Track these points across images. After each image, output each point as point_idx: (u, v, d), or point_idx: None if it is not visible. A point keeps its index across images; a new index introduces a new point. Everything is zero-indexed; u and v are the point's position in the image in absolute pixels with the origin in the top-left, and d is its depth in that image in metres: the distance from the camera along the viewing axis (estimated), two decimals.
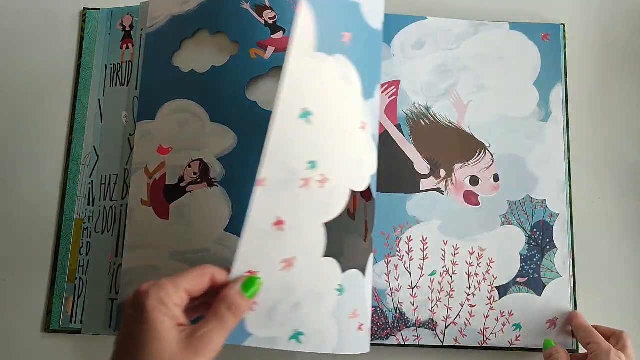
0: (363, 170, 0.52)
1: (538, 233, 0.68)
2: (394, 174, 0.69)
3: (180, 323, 0.42)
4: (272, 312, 0.48)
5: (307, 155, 0.47)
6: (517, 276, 0.67)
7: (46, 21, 0.74)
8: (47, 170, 0.70)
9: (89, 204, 0.68)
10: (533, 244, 0.68)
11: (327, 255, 0.49)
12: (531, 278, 0.67)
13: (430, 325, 0.66)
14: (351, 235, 0.51)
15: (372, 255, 0.57)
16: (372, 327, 0.65)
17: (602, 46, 0.77)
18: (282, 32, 0.64)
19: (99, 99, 0.71)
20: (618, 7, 0.78)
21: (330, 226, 0.49)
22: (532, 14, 0.76)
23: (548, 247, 0.68)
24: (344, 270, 0.51)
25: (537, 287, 0.67)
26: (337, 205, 0.50)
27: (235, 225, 0.56)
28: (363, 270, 0.53)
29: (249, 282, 0.45)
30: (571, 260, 0.68)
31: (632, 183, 0.73)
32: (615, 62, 0.76)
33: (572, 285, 0.68)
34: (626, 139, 0.74)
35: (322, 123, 0.47)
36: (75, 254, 0.67)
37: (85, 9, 0.74)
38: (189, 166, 0.64)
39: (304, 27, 0.45)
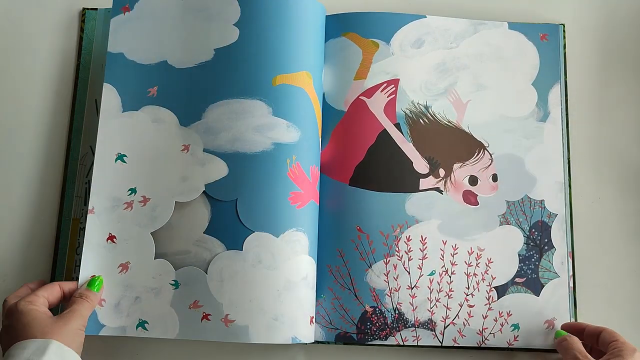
0: (189, 183, 0.65)
1: (536, 233, 0.68)
2: (393, 173, 0.68)
3: (49, 316, 0.56)
4: (118, 307, 0.62)
5: (127, 185, 0.64)
6: (515, 276, 0.67)
7: (46, 21, 0.74)
8: (47, 170, 0.70)
9: (85, 204, 0.68)
10: (531, 244, 0.68)
11: (158, 257, 0.63)
12: (529, 278, 0.67)
13: (430, 325, 0.66)
14: (184, 237, 0.64)
15: (230, 251, 0.63)
16: (370, 328, 0.65)
17: (602, 46, 0.76)
18: None
19: (96, 99, 0.70)
20: (618, 7, 0.78)
21: (158, 234, 0.64)
22: (532, 13, 0.76)
23: (546, 247, 0.68)
24: (177, 267, 0.63)
25: (535, 287, 0.67)
26: (162, 217, 0.64)
27: (215, 228, 0.64)
28: (204, 267, 0.63)
29: (92, 281, 0.61)
30: (571, 260, 0.68)
31: (632, 183, 0.73)
32: (615, 62, 0.76)
33: (571, 285, 0.67)
34: (626, 139, 0.74)
35: (137, 159, 0.65)
36: (72, 253, 0.68)
37: (84, 9, 0.74)
38: None
39: (107, 100, 0.66)
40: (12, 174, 0.70)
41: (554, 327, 0.66)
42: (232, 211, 0.64)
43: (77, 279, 0.62)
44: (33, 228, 0.69)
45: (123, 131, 0.66)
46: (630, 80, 0.76)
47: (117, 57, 0.68)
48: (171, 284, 0.63)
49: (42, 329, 0.54)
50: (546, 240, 0.68)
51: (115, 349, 0.66)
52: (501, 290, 0.67)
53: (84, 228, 0.66)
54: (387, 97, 0.71)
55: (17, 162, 0.71)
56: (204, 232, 0.64)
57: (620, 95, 0.75)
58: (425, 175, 0.69)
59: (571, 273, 0.68)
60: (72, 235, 0.68)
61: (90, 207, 0.64)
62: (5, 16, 0.74)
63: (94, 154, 0.69)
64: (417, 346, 0.66)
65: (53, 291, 0.59)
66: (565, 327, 0.65)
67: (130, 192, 0.64)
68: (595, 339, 0.61)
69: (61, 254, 0.68)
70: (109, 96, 0.67)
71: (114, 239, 0.63)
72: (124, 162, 0.65)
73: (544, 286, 0.67)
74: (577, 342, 0.60)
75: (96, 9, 0.74)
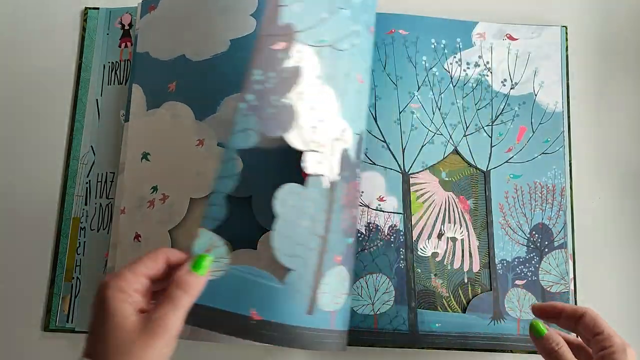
0: (202, 178, 0.61)
1: (537, 236, 0.68)
2: None
3: (142, 308, 0.46)
4: None
5: (149, 183, 0.63)
6: (515, 278, 0.67)
7: (48, 20, 0.74)
8: (47, 169, 0.70)
9: (86, 203, 0.68)
10: (532, 246, 0.68)
11: None
12: (530, 280, 0.67)
13: None
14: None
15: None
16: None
17: (603, 48, 0.76)
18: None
19: (97, 99, 0.71)
20: (619, 9, 0.77)
21: (175, 231, 0.61)
22: (533, 15, 0.76)
23: (547, 250, 0.67)
24: None
25: (535, 289, 0.66)
26: (179, 214, 0.61)
27: (229, 225, 0.58)
28: None
29: (198, 260, 0.50)
30: (572, 262, 0.68)
31: (632, 183, 0.72)
32: (616, 63, 0.76)
33: (572, 287, 0.67)
34: (626, 139, 0.73)
35: (159, 157, 0.64)
36: (73, 252, 0.68)
37: (86, 8, 0.74)
38: None
39: (135, 100, 0.66)
40: (12, 173, 0.70)
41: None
42: (247, 208, 0.60)
43: (77, 279, 0.62)
44: (33, 227, 0.69)
45: (147, 129, 0.66)
46: (630, 82, 0.75)
47: (143, 56, 0.68)
48: None
49: (121, 350, 0.43)
50: (547, 242, 0.68)
51: None
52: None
53: (85, 228, 0.67)
54: None
55: (18, 161, 0.71)
56: None
57: (620, 96, 0.75)
58: None
59: (572, 275, 0.67)
60: (72, 235, 0.68)
61: (122, 207, 0.63)
62: (7, 15, 0.75)
63: (94, 153, 0.70)
64: (419, 348, 0.65)
65: (157, 263, 0.49)
66: (537, 309, 0.57)
67: (152, 190, 0.63)
68: (574, 322, 0.54)
69: (61, 254, 0.68)
70: (137, 96, 0.67)
71: (140, 238, 0.62)
72: (148, 160, 0.64)
73: (545, 288, 0.66)
74: (568, 353, 0.52)
75: (98, 9, 0.74)
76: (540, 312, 0.57)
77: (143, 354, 0.43)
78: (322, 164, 0.56)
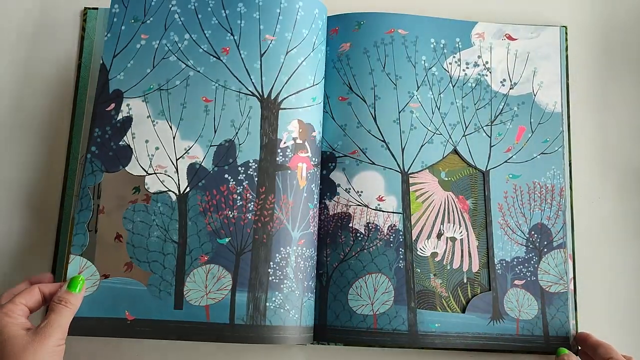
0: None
1: (536, 235, 0.68)
2: None
3: (28, 328, 0.55)
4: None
5: (131, 183, 0.65)
6: (514, 278, 0.67)
7: (48, 21, 0.75)
8: (48, 169, 0.71)
9: None
10: (530, 246, 0.68)
11: None
12: (529, 281, 0.67)
13: None
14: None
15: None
16: None
17: (604, 48, 0.76)
18: None
19: None
20: (619, 9, 0.78)
21: None
22: (532, 14, 0.76)
23: (546, 250, 0.67)
24: None
25: (534, 289, 0.66)
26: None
27: None
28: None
29: (73, 281, 0.60)
30: (571, 262, 0.68)
31: (632, 183, 0.73)
32: (616, 64, 0.76)
33: (571, 287, 0.67)
34: (626, 140, 0.74)
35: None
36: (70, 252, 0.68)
37: (86, 8, 0.74)
38: None
39: None
40: (13, 173, 0.71)
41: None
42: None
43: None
44: (34, 227, 0.69)
45: None
46: (631, 82, 0.76)
47: None
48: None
49: (16, 352, 0.52)
50: (545, 242, 0.68)
51: (116, 350, 0.67)
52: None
53: None
54: None
55: (18, 161, 0.71)
56: None
57: (620, 96, 0.75)
58: None
59: (572, 275, 0.67)
60: (71, 235, 0.68)
61: (101, 207, 0.65)
62: (7, 15, 0.75)
63: None
64: (419, 348, 0.66)
65: (32, 296, 0.58)
66: (580, 336, 0.65)
67: (134, 190, 0.66)
68: (593, 351, 0.62)
69: (61, 254, 0.68)
70: None
71: (121, 238, 0.65)
72: None
73: (543, 289, 0.66)
74: None
75: (97, 9, 0.74)
76: (580, 337, 0.65)
77: (36, 352, 0.52)
78: (165, 182, 0.65)
